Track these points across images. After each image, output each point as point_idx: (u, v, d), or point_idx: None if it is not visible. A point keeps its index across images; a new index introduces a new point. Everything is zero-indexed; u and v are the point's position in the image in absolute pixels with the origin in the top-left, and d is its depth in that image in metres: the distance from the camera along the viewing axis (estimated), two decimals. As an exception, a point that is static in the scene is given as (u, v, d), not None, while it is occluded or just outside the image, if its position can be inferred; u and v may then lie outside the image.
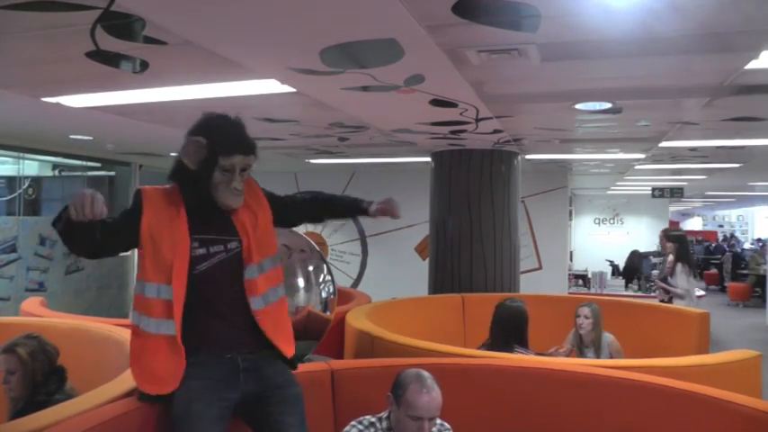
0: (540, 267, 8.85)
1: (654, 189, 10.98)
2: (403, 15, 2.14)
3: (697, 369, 2.81)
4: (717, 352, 3.14)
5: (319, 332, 3.53)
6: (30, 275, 6.59)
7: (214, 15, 2.20)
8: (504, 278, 5.76)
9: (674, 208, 20.20)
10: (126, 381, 2.13)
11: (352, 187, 9.00)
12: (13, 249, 6.53)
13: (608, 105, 3.80)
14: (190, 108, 3.29)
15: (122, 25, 2.31)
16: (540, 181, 8.75)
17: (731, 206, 22.81)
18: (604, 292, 8.44)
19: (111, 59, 2.76)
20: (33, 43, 2.60)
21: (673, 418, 2.34)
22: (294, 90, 3.36)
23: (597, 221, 14.14)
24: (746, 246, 19.31)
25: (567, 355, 3.58)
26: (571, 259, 11.86)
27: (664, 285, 5.58)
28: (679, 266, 5.45)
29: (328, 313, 3.56)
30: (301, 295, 3.39)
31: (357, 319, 3.72)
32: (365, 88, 3.29)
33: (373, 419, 2.18)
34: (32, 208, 7.89)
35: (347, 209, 2.38)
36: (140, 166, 7.73)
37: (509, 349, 3.35)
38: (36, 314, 4.04)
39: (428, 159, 6.23)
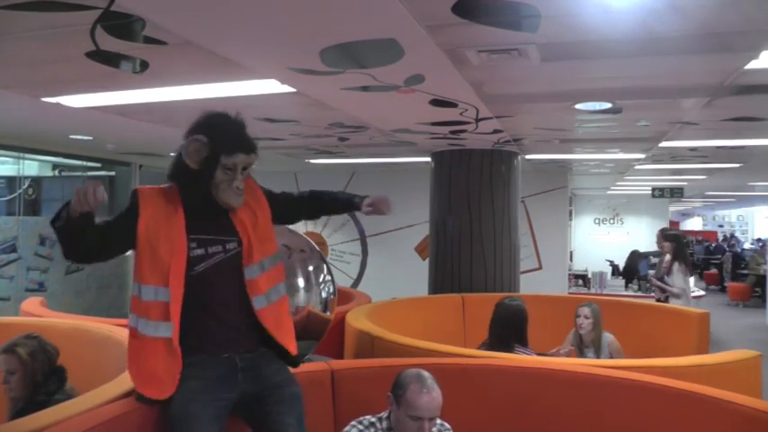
0: (540, 267, 8.85)
1: (654, 189, 10.98)
2: (403, 15, 2.14)
3: (697, 369, 2.81)
4: (717, 352, 3.14)
5: (319, 332, 3.53)
6: (30, 275, 6.59)
7: (214, 15, 2.20)
8: (504, 278, 5.76)
9: (674, 208, 20.19)
10: (126, 381, 2.13)
11: (352, 187, 9.00)
12: (13, 249, 6.53)
13: (608, 105, 3.80)
14: (190, 108, 3.27)
15: (122, 25, 2.31)
16: (540, 181, 8.75)
17: (731, 206, 22.81)
18: (604, 292, 8.43)
19: (111, 59, 2.76)
20: (33, 43, 2.60)
21: (673, 418, 2.34)
22: (294, 90, 3.36)
23: (597, 221, 14.14)
24: (746, 246, 19.31)
25: (568, 356, 3.58)
26: (571, 259, 11.86)
27: (660, 284, 5.59)
28: (676, 265, 5.46)
29: (328, 313, 3.56)
30: (301, 295, 3.39)
31: (357, 319, 3.72)
32: (365, 88, 3.29)
33: (373, 419, 2.18)
34: (32, 208, 7.89)
35: (343, 205, 2.38)
36: (140, 166, 7.73)
37: (509, 348, 3.35)
38: (36, 314, 4.04)
39: (428, 159, 6.23)
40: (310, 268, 3.48)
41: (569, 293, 8.38)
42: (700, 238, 21.42)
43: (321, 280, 3.54)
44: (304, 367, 2.38)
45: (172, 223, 1.96)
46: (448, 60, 2.75)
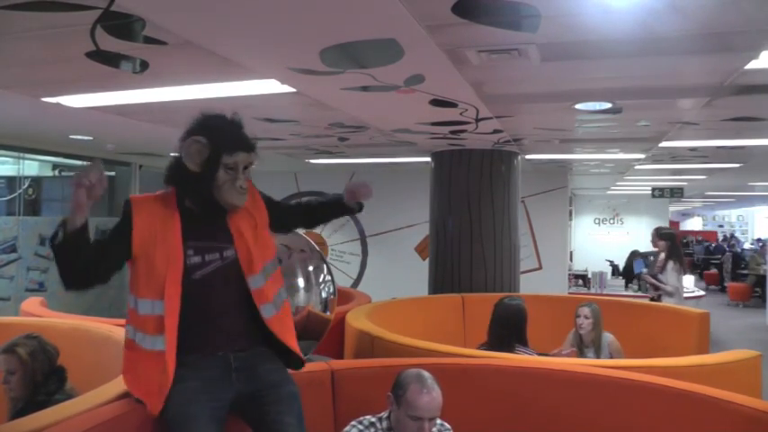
0: (540, 267, 8.85)
1: (654, 189, 10.99)
2: (403, 15, 2.14)
3: (697, 369, 2.81)
4: (717, 352, 3.14)
5: (319, 332, 3.53)
6: (30, 275, 6.59)
7: (214, 15, 2.20)
8: (504, 278, 5.76)
9: (674, 208, 20.20)
10: (126, 381, 2.13)
11: (352, 187, 8.98)
12: (13, 249, 6.53)
13: (608, 105, 3.80)
14: (190, 108, 3.25)
15: (122, 25, 2.30)
16: (540, 181, 8.75)
17: (731, 206, 22.81)
18: (604, 292, 8.43)
19: (111, 59, 2.76)
20: (33, 43, 2.60)
21: (673, 418, 2.34)
22: (294, 90, 3.36)
23: (597, 221, 14.14)
24: (746, 246, 19.31)
25: (569, 357, 3.58)
26: (571, 259, 11.86)
27: (653, 281, 5.60)
28: (670, 264, 5.47)
29: (328, 313, 3.56)
30: (301, 295, 3.39)
31: (357, 319, 3.72)
32: (365, 88, 3.29)
33: (373, 419, 2.18)
34: (32, 208, 7.89)
35: (333, 207, 2.38)
36: (140, 166, 7.73)
37: (509, 348, 3.35)
38: (36, 314, 4.04)
39: (428, 159, 6.23)
40: (310, 268, 3.48)
41: (569, 293, 8.38)
42: (700, 238, 21.44)
43: (321, 280, 3.55)
44: (304, 367, 2.38)
45: (168, 231, 1.93)
46: (448, 60, 2.75)
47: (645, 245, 12.08)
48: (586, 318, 3.76)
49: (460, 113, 4.06)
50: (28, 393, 2.52)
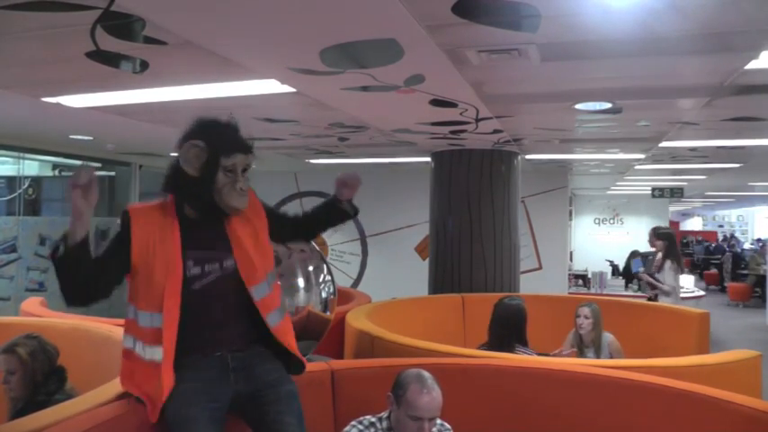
0: (540, 267, 8.85)
1: (654, 189, 10.99)
2: (403, 15, 2.14)
3: (697, 369, 2.81)
4: (717, 352, 3.14)
5: (319, 332, 3.53)
6: (30, 275, 6.59)
7: (214, 15, 2.20)
8: (504, 278, 5.76)
9: (674, 208, 20.20)
10: (126, 381, 2.13)
11: (352, 187, 8.99)
12: (13, 249, 6.54)
13: (608, 105, 3.80)
14: (190, 108, 3.27)
15: (122, 25, 2.30)
16: (540, 181, 8.75)
17: (731, 206, 22.81)
18: (604, 292, 8.43)
19: (111, 59, 2.76)
20: (33, 43, 2.60)
21: (673, 418, 2.34)
22: (294, 90, 3.36)
23: (597, 221, 14.14)
24: (746, 246, 19.31)
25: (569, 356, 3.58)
26: (571, 259, 11.86)
27: (650, 280, 5.60)
28: (668, 264, 5.47)
29: (328, 313, 3.56)
30: (301, 295, 3.39)
31: (357, 319, 3.72)
32: (365, 88, 3.29)
33: (373, 419, 2.18)
34: (32, 208, 7.89)
35: (329, 214, 2.31)
36: (140, 166, 7.73)
37: (509, 348, 3.35)
38: (36, 314, 4.04)
39: (428, 159, 6.23)
40: (310, 268, 3.48)
41: (569, 293, 8.38)
42: (700, 238, 21.44)
43: (321, 280, 3.55)
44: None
45: (167, 242, 1.91)
46: (448, 60, 2.75)
47: (645, 245, 12.03)
48: (586, 318, 3.76)
49: (460, 113, 4.06)
50: (28, 393, 2.52)
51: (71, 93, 3.58)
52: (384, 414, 2.18)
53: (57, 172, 8.46)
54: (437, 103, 3.68)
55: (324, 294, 3.53)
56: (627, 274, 9.66)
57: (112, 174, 8.03)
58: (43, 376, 2.56)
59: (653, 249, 5.93)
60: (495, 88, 3.44)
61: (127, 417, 1.87)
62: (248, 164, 1.98)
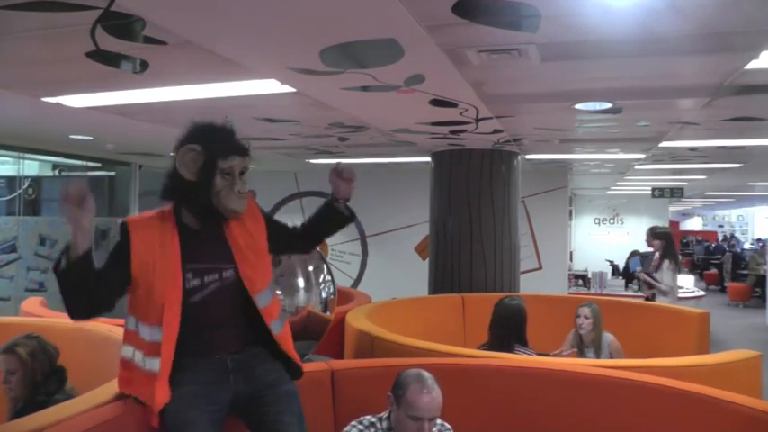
0: (540, 267, 8.85)
1: (654, 189, 10.99)
2: (403, 15, 2.14)
3: (697, 369, 2.81)
4: (717, 352, 3.14)
5: (319, 332, 3.53)
6: (30, 275, 6.59)
7: (214, 15, 2.20)
8: (504, 278, 5.76)
9: (674, 208, 20.20)
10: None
11: (353, 187, 8.99)
12: (13, 249, 6.54)
13: (608, 105, 3.80)
14: (190, 108, 3.29)
15: (122, 25, 2.30)
16: (540, 181, 8.75)
17: (731, 206, 22.81)
18: (604, 292, 8.44)
19: (111, 59, 2.76)
20: (33, 43, 2.60)
21: (673, 418, 2.34)
22: (294, 90, 3.36)
23: (597, 221, 14.14)
24: (746, 246, 19.31)
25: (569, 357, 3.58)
26: (571, 259, 11.86)
27: (647, 278, 5.60)
28: (666, 263, 5.46)
29: (328, 313, 3.56)
30: (301, 295, 3.39)
31: (357, 319, 3.72)
32: (365, 88, 3.29)
33: (373, 419, 2.18)
34: (32, 208, 7.90)
35: (328, 218, 2.28)
36: (140, 166, 7.73)
37: (509, 348, 3.35)
38: (36, 314, 4.05)
39: (428, 159, 6.23)
40: (310, 268, 3.49)
41: (569, 293, 8.38)
42: (700, 238, 21.44)
43: (321, 280, 3.55)
44: (304, 367, 2.38)
45: (166, 254, 1.90)
46: (448, 60, 2.75)
47: (645, 245, 12.09)
48: (586, 318, 3.76)
49: (460, 113, 4.06)
50: (28, 393, 2.52)
51: (71, 93, 3.58)
52: (384, 414, 2.18)
53: (57, 172, 8.47)
54: (437, 103, 3.68)
55: (324, 294, 3.54)
56: (627, 274, 9.67)
57: (112, 174, 8.03)
58: (43, 376, 2.56)
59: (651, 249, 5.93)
60: (495, 88, 3.44)
61: (126, 417, 1.88)
62: (245, 167, 1.97)
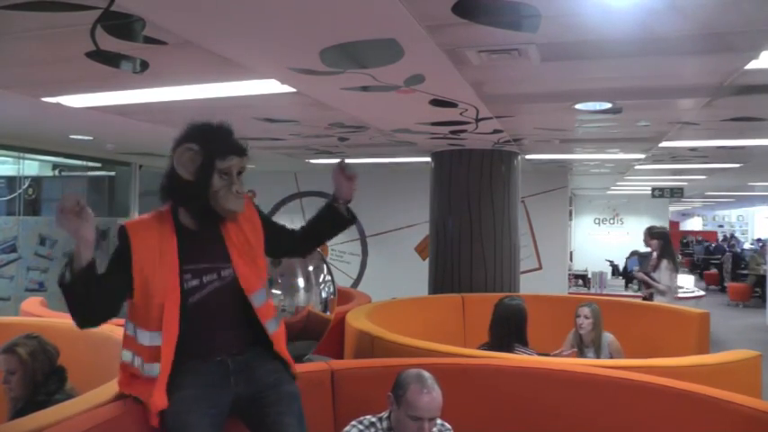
0: (540, 267, 8.85)
1: (654, 189, 10.99)
2: (403, 15, 2.14)
3: (697, 369, 2.81)
4: (717, 352, 3.14)
5: (319, 332, 3.53)
6: (30, 275, 6.59)
7: (214, 15, 2.20)
8: (504, 278, 5.76)
9: (674, 208, 20.20)
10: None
11: (352, 187, 8.99)
12: (13, 249, 6.54)
13: (608, 105, 3.80)
14: (190, 108, 3.29)
15: (122, 25, 2.30)
16: (540, 181, 8.75)
17: (731, 206, 22.81)
18: (604, 292, 8.44)
19: (111, 59, 2.76)
20: (33, 43, 2.60)
21: (673, 418, 2.34)
22: (294, 90, 3.36)
23: (597, 221, 14.14)
24: (746, 246, 19.31)
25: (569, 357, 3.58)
26: (571, 259, 11.86)
27: (644, 278, 5.60)
28: (664, 263, 5.46)
29: (328, 313, 3.56)
30: (301, 295, 3.39)
31: (357, 319, 3.72)
32: (365, 88, 3.29)
33: (374, 419, 2.18)
34: (32, 208, 7.90)
35: (326, 218, 2.26)
36: (140, 166, 7.74)
37: (509, 348, 3.35)
38: (36, 314, 4.05)
39: (428, 159, 6.23)
40: (310, 268, 3.48)
41: (569, 293, 8.38)
42: (700, 238, 21.45)
43: (321, 280, 3.55)
44: (304, 367, 2.39)
45: (165, 257, 1.90)
46: (448, 60, 2.75)
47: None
48: (586, 318, 3.76)
49: (460, 113, 4.06)
50: (28, 393, 2.52)
51: (71, 93, 3.58)
52: (384, 414, 2.18)
53: (57, 172, 8.48)
54: (437, 103, 3.68)
55: (324, 294, 3.53)
56: (627, 275, 9.67)
57: (112, 174, 8.03)
58: (43, 376, 2.56)
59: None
60: (495, 88, 3.44)
61: (126, 417, 1.87)
62: (243, 166, 1.97)
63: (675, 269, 5.55)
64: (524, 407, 2.61)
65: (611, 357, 3.71)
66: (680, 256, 15.37)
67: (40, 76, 3.22)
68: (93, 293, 1.78)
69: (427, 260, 6.26)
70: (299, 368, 2.21)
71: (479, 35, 2.44)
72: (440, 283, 5.85)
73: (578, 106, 3.83)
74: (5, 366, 2.54)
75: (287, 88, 3.31)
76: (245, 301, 2.01)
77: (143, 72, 2.97)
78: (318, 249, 3.74)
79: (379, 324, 3.59)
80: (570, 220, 12.25)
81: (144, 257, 1.88)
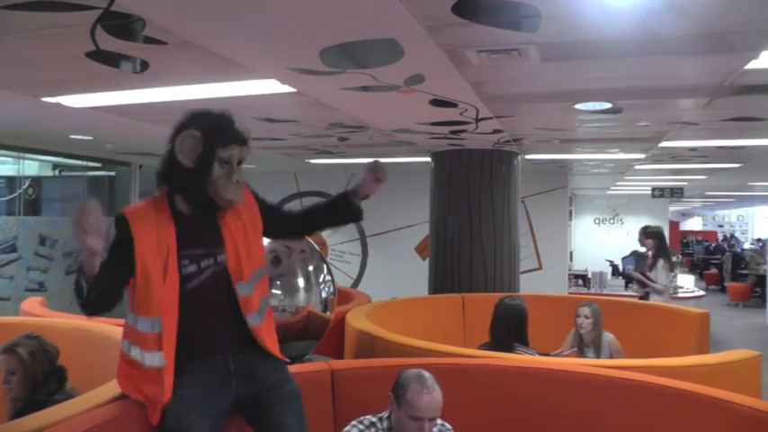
0: (540, 267, 8.85)
1: (654, 189, 10.99)
2: (403, 15, 2.14)
3: (697, 369, 2.81)
4: (717, 352, 3.14)
5: (319, 332, 3.53)
6: (30, 275, 6.59)
7: (214, 15, 2.20)
8: (504, 278, 5.76)
9: (674, 208, 20.20)
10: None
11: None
12: (13, 249, 6.54)
13: (608, 105, 3.80)
14: (190, 108, 3.28)
15: (122, 25, 2.31)
16: (540, 181, 8.75)
17: (731, 206, 22.81)
18: (604, 292, 8.44)
19: (111, 59, 2.76)
20: (33, 43, 2.60)
21: (673, 418, 2.34)
22: (294, 90, 3.36)
23: (597, 221, 14.14)
24: (746, 246, 19.31)
25: (570, 357, 3.58)
26: (571, 259, 11.86)
27: (641, 277, 5.60)
28: (660, 262, 5.46)
29: (328, 313, 3.56)
30: (301, 295, 3.38)
31: (357, 319, 3.72)
32: (365, 88, 3.29)
33: (374, 419, 2.18)
34: (32, 208, 7.89)
35: (335, 211, 2.27)
36: (140, 166, 7.73)
37: (510, 348, 3.35)
38: (36, 314, 4.04)
39: (428, 159, 6.23)
40: (310, 268, 3.48)
41: (569, 293, 8.38)
42: (700, 238, 21.45)
43: (321, 280, 3.54)
44: (304, 367, 2.39)
45: (162, 243, 1.89)
46: (448, 60, 2.75)
47: (644, 245, 12.09)
48: (586, 318, 3.76)
49: (460, 113, 4.06)
50: (28, 393, 2.52)
51: (71, 93, 3.58)
52: (384, 414, 2.18)
53: (57, 172, 8.47)
54: (437, 103, 3.68)
55: (324, 294, 3.53)
56: (627, 275, 9.67)
57: (112, 174, 8.02)
58: (43, 376, 2.56)
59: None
60: (495, 88, 3.44)
61: (126, 417, 1.87)
62: (243, 156, 1.96)
63: (671, 268, 5.55)
64: (524, 407, 2.61)
65: (612, 357, 3.71)
66: (680, 256, 15.36)
67: (40, 76, 3.22)
68: (103, 289, 1.81)
69: (427, 260, 6.26)
70: (300, 368, 2.22)
71: (479, 35, 2.44)
72: (440, 283, 5.85)
73: (578, 106, 3.83)
74: (5, 366, 2.54)
75: (287, 88, 3.31)
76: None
77: (143, 72, 2.97)
78: (319, 249, 3.75)
79: (379, 324, 3.59)
80: (570, 220, 12.25)
81: (144, 244, 1.88)
